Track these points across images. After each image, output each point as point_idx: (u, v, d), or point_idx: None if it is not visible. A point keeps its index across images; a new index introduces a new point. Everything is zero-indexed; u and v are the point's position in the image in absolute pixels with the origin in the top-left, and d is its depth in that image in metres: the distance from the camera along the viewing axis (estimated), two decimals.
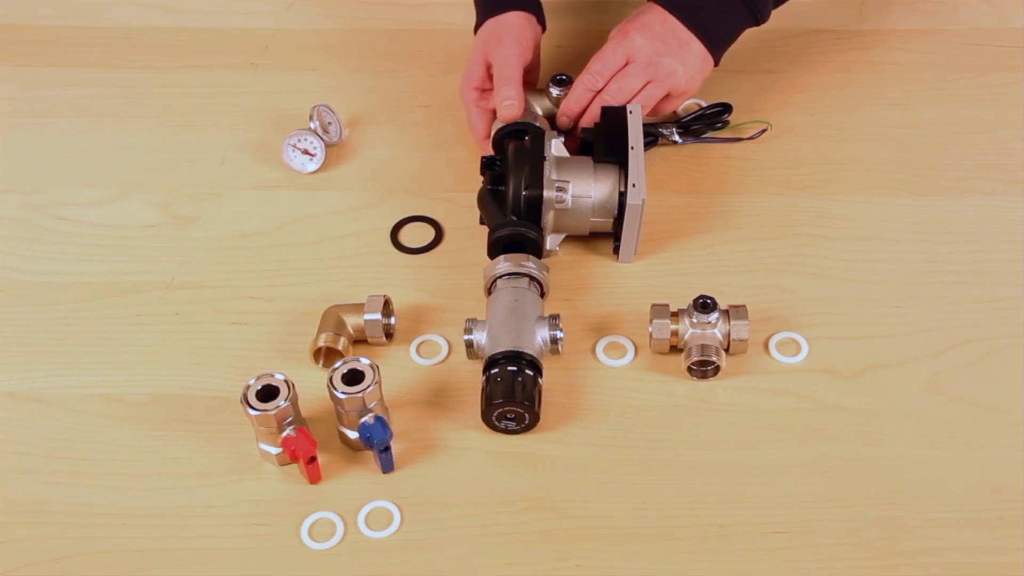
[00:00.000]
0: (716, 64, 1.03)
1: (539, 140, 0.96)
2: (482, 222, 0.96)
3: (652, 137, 1.05)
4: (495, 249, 0.92)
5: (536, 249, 0.92)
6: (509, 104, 0.98)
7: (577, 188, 0.93)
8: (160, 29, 1.25)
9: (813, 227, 0.99)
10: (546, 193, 0.92)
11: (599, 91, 1.00)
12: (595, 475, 0.82)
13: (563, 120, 1.03)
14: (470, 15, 1.07)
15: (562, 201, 0.93)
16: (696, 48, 1.00)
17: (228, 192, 1.06)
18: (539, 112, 1.03)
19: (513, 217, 0.92)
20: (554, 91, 1.04)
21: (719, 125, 1.07)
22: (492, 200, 0.95)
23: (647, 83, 1.00)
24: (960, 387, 0.86)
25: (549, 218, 0.94)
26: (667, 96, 1.02)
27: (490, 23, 1.04)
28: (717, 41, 1.02)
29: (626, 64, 1.00)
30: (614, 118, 0.97)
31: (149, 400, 0.88)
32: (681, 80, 1.00)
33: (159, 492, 0.82)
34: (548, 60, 1.13)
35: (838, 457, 0.82)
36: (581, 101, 1.01)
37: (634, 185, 0.91)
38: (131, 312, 0.95)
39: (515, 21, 1.03)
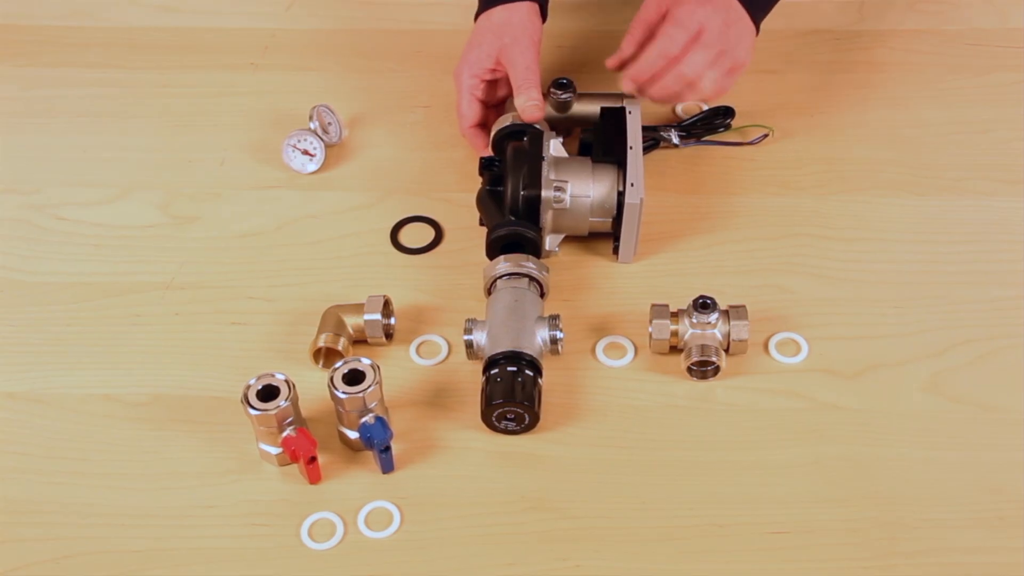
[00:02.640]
0: (757, 34, 0.99)
1: (537, 141, 0.96)
2: (482, 223, 0.96)
3: (652, 140, 1.05)
4: (493, 249, 0.92)
5: (535, 249, 0.91)
6: (534, 104, 0.97)
7: (575, 188, 0.93)
8: (160, 29, 1.25)
9: (813, 227, 0.99)
10: (544, 193, 0.92)
11: (675, 59, 0.94)
12: (595, 475, 0.82)
13: (629, 85, 0.96)
14: (470, 15, 1.07)
15: (560, 201, 0.93)
16: (747, 21, 0.97)
17: (228, 192, 1.06)
18: None
19: (511, 217, 0.92)
20: (556, 95, 1.04)
21: (720, 128, 1.07)
22: (491, 200, 0.95)
23: (718, 54, 0.94)
24: (960, 387, 0.86)
25: (548, 218, 0.94)
26: (730, 70, 0.97)
27: (502, 13, 1.01)
28: (758, 10, 0.98)
29: (699, 33, 0.94)
30: (613, 119, 0.97)
31: (149, 400, 0.88)
32: (742, 53, 0.96)
33: (159, 492, 0.82)
34: (548, 60, 1.13)
35: (838, 457, 0.82)
36: (654, 66, 0.94)
37: (632, 184, 0.91)
38: (131, 312, 0.95)
39: (528, 16, 1.01)
